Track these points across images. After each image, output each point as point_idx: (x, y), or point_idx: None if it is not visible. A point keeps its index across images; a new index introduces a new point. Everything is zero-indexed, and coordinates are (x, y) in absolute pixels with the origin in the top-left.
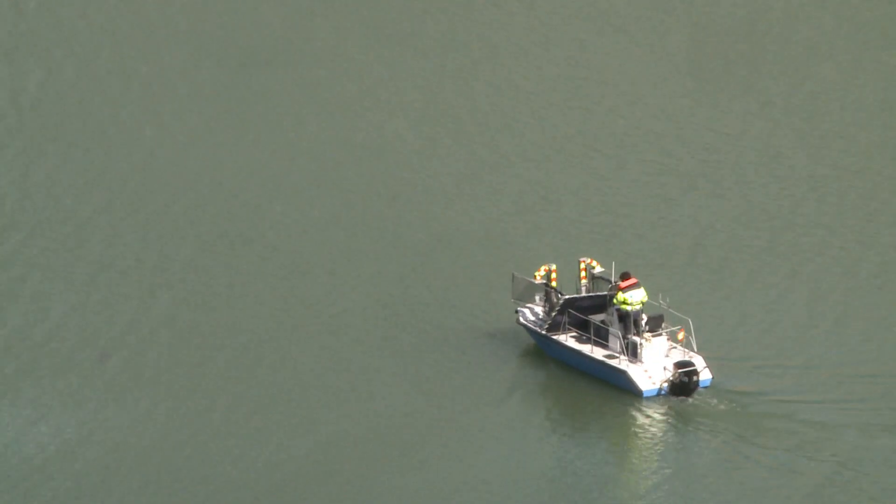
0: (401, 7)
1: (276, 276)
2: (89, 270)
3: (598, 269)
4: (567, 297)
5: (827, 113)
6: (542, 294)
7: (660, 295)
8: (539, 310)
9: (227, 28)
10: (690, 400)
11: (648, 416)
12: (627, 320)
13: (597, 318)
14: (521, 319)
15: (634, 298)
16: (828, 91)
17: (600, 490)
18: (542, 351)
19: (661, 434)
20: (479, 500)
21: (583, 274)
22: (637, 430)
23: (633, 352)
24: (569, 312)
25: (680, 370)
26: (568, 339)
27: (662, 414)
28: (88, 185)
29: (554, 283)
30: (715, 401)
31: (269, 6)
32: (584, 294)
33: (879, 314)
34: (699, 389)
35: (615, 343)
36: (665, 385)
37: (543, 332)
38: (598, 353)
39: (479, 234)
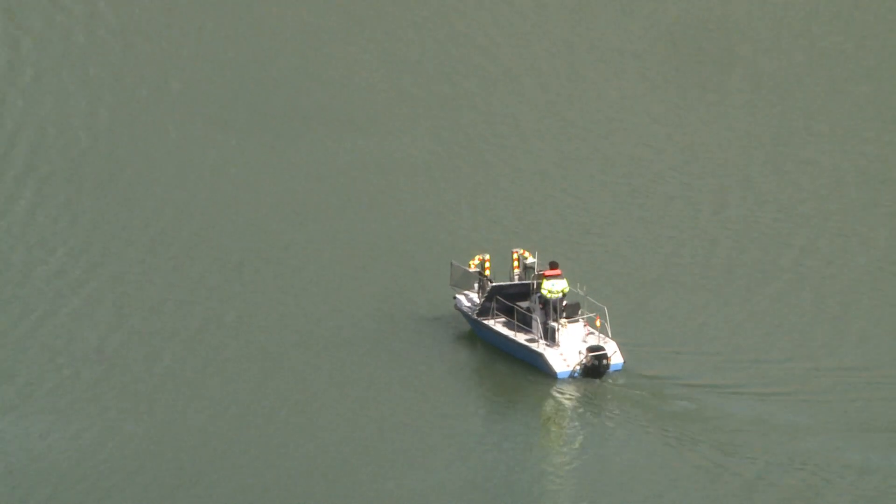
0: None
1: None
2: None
3: (529, 260)
4: (494, 284)
5: (794, 136)
6: (477, 280)
7: (578, 284)
8: (475, 296)
9: (242, 51)
10: (600, 382)
11: (560, 398)
12: (548, 307)
13: (523, 304)
14: (457, 305)
15: (556, 287)
16: (797, 118)
17: (509, 468)
18: (475, 331)
19: (568, 414)
20: (408, 468)
21: (515, 264)
22: (548, 411)
23: (551, 336)
24: (496, 299)
25: (591, 354)
26: (496, 324)
27: (572, 395)
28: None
29: (488, 272)
30: (623, 382)
31: (283, 30)
32: (511, 281)
33: (790, 310)
34: (609, 372)
35: (537, 327)
36: (578, 368)
37: (474, 317)
38: (520, 336)
39: (426, 231)
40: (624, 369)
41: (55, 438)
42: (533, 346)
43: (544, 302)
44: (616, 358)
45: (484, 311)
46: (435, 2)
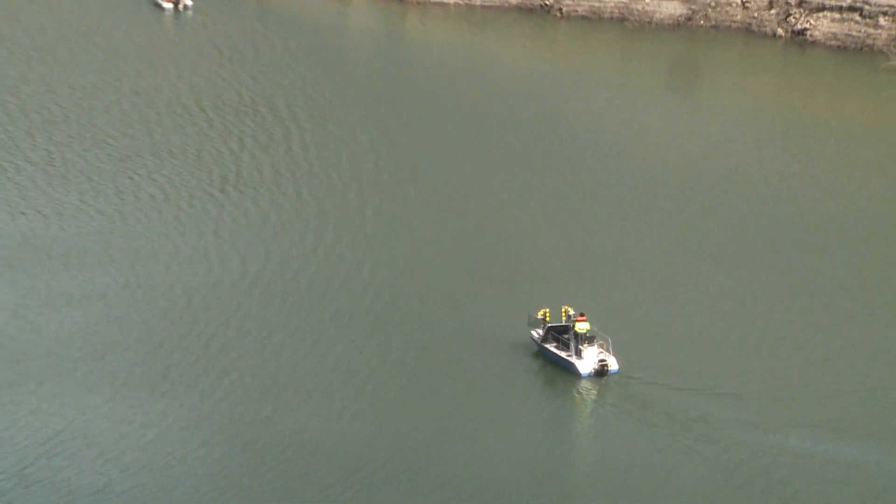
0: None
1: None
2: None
3: (570, 312)
4: (550, 325)
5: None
6: (542, 324)
7: (595, 327)
8: (540, 331)
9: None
10: (604, 379)
11: (581, 387)
12: (578, 338)
13: (565, 336)
14: (532, 336)
15: (582, 327)
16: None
17: (546, 426)
18: (540, 353)
19: (583, 394)
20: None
21: (563, 312)
22: (575, 394)
23: (578, 354)
24: (551, 333)
25: (599, 363)
26: (550, 347)
27: (588, 387)
28: None
29: (546, 318)
30: (616, 380)
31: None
32: (560, 324)
33: (767, 332)
34: (609, 374)
35: (571, 349)
36: (592, 370)
37: (540, 343)
38: (562, 353)
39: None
40: (618, 373)
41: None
42: (569, 358)
43: (576, 335)
44: (613, 365)
45: (544, 339)
46: None
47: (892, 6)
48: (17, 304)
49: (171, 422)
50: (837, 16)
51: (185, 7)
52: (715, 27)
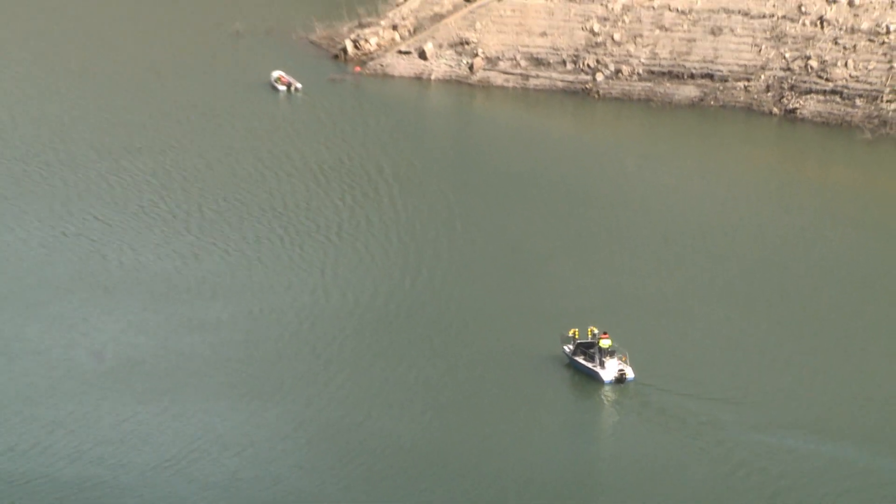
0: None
1: None
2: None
3: (595, 331)
4: (578, 341)
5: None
6: (572, 341)
7: (616, 343)
8: (571, 346)
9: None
10: (622, 384)
11: (604, 391)
12: (602, 352)
13: (591, 350)
14: (563, 351)
15: (605, 343)
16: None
17: (574, 421)
18: (571, 364)
19: (607, 397)
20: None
21: (589, 332)
22: (596, 399)
23: (602, 365)
24: (580, 348)
25: (619, 372)
26: (579, 359)
27: (610, 391)
28: None
29: (576, 336)
30: (633, 386)
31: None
32: (585, 340)
33: (766, 350)
34: (627, 381)
35: (596, 361)
36: (613, 378)
37: (570, 356)
38: (589, 364)
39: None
40: (635, 380)
41: None
42: (594, 368)
43: (600, 349)
44: (630, 374)
45: (574, 353)
46: None
47: (865, 90)
48: (162, 328)
49: (283, 424)
50: (822, 98)
51: (296, 89)
52: (722, 106)
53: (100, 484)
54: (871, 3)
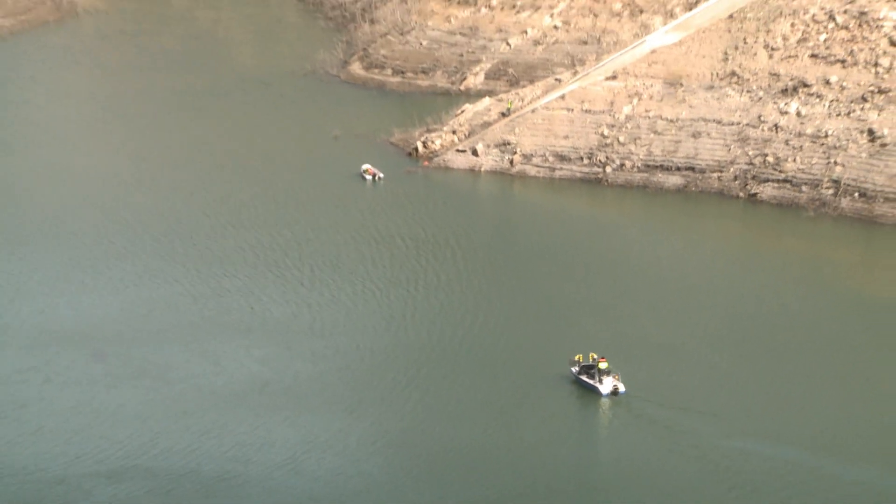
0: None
1: None
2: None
3: (595, 356)
4: (582, 364)
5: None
6: (577, 363)
7: (611, 365)
8: (576, 368)
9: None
10: (616, 396)
11: (601, 402)
12: (601, 372)
13: (591, 371)
14: (570, 370)
15: (603, 366)
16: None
17: (571, 424)
18: (576, 381)
19: (604, 406)
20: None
21: (591, 357)
22: (596, 407)
23: (600, 382)
24: (583, 369)
25: (613, 387)
26: (582, 377)
27: (606, 402)
28: None
29: (580, 360)
30: (624, 398)
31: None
32: (587, 363)
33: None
34: (620, 394)
35: (596, 379)
36: (609, 391)
37: (576, 374)
38: (590, 381)
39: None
40: (625, 393)
41: None
42: (594, 384)
43: (598, 370)
44: (622, 388)
45: (579, 373)
46: None
47: (809, 179)
48: (282, 358)
49: (370, 432)
50: (776, 185)
51: (380, 178)
52: (701, 192)
53: (235, 476)
54: (813, 113)
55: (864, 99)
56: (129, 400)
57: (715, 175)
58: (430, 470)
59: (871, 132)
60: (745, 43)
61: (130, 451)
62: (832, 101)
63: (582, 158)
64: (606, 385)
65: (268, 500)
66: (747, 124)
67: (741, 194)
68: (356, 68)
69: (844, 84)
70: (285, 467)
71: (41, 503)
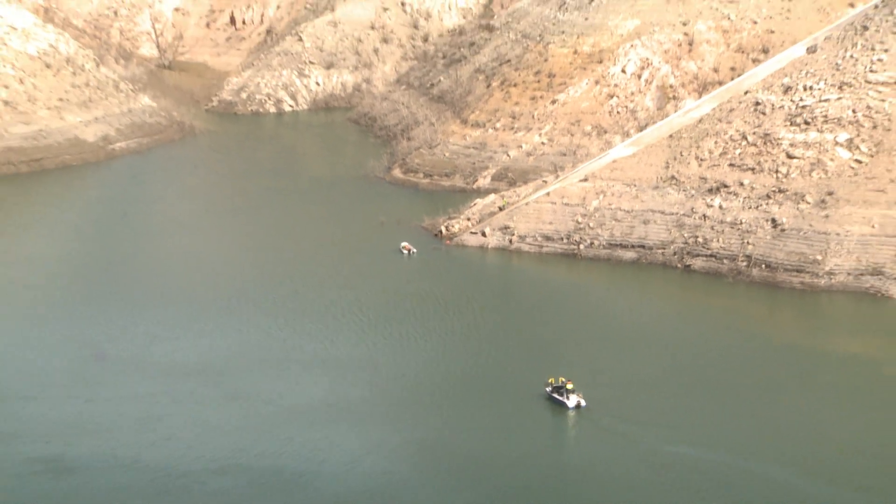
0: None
1: None
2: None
3: (563, 379)
4: (553, 385)
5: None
6: (550, 385)
7: (575, 385)
8: (549, 388)
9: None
10: (579, 409)
11: (566, 413)
12: (568, 391)
13: (561, 390)
14: (546, 390)
15: (570, 386)
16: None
17: (539, 429)
18: (549, 398)
19: (570, 416)
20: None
21: (560, 379)
22: (564, 417)
23: (567, 398)
24: (554, 388)
25: (577, 402)
26: (554, 394)
27: (572, 413)
28: None
29: (553, 382)
30: (586, 411)
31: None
32: (558, 384)
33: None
34: (582, 407)
35: (564, 395)
36: (574, 405)
37: (549, 393)
38: (560, 397)
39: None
40: (587, 407)
41: None
42: (563, 400)
43: (566, 390)
44: (583, 403)
45: (552, 391)
46: None
47: (729, 255)
48: (336, 384)
49: (399, 445)
50: (705, 259)
51: (414, 253)
52: (650, 264)
53: (296, 474)
54: (731, 207)
55: (768, 196)
56: (233, 415)
57: (660, 251)
58: (450, 469)
59: (773, 221)
60: (682, 155)
61: (233, 453)
62: (745, 197)
63: (562, 239)
64: (572, 401)
65: (337, 489)
66: (683, 214)
67: (679, 265)
68: (397, 172)
69: (754, 185)
70: (347, 466)
71: (171, 491)
